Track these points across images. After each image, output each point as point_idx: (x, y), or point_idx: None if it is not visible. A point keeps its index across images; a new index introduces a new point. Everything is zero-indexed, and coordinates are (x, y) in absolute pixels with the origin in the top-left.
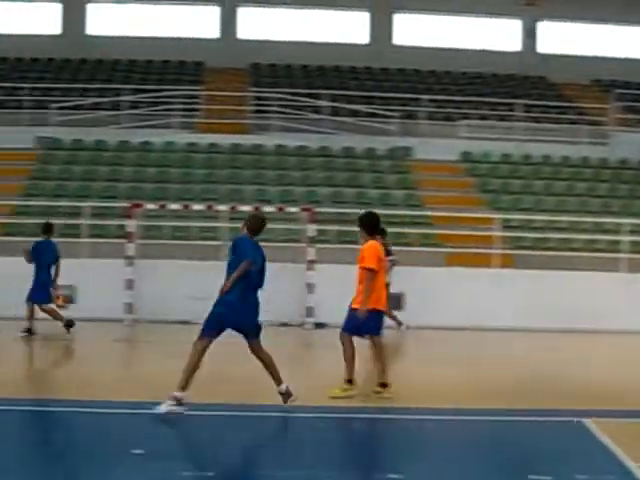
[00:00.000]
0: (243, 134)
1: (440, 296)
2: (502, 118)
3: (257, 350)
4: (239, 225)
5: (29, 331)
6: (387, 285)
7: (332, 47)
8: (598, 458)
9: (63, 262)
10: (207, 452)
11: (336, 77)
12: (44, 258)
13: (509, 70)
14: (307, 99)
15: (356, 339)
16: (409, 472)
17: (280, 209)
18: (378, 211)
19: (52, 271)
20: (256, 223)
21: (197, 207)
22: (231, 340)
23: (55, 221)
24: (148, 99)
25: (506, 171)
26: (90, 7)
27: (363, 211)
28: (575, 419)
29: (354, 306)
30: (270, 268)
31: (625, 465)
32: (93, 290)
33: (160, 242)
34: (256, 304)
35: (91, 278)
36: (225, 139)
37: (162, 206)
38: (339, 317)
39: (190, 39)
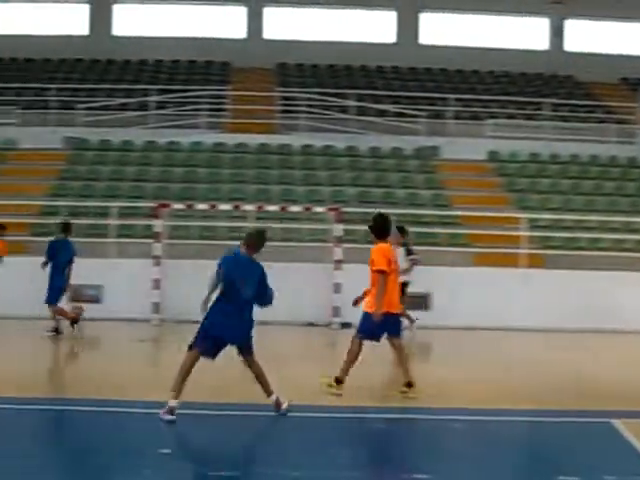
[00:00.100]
0: (270, 134)
1: (468, 296)
2: (530, 117)
3: (249, 363)
4: (267, 225)
5: (56, 330)
6: (406, 284)
7: (359, 46)
8: (626, 459)
9: (90, 262)
10: (233, 452)
11: (363, 77)
12: (60, 257)
13: (536, 69)
14: (334, 99)
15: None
16: (435, 472)
17: (307, 209)
18: (405, 211)
19: (68, 270)
20: (253, 240)
21: (224, 207)
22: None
23: (82, 221)
24: (175, 99)
25: (534, 170)
26: (117, 8)
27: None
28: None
29: (366, 309)
30: (297, 268)
31: None
32: (120, 290)
33: (187, 242)
34: (242, 319)
35: (118, 278)
36: (252, 139)
37: (189, 206)
38: None
39: (217, 39)
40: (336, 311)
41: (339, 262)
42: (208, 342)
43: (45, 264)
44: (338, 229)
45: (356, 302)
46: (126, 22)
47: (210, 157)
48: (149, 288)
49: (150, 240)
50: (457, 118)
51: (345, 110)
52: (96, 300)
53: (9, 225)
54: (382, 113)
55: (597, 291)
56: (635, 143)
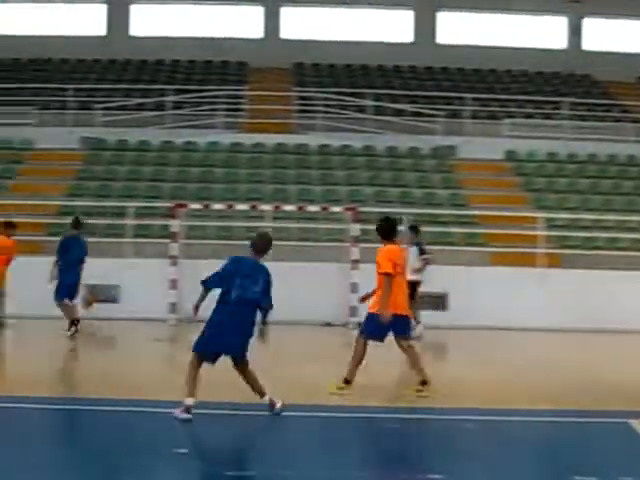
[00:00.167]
0: (287, 134)
1: (485, 296)
2: (547, 116)
3: (242, 372)
4: (284, 225)
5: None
6: (417, 283)
7: (376, 46)
8: None
9: (107, 262)
10: (250, 452)
11: (380, 76)
12: (70, 254)
13: (554, 68)
14: (351, 98)
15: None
16: (450, 472)
17: (324, 209)
18: (422, 211)
19: (79, 268)
20: (257, 243)
21: (241, 207)
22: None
23: (100, 221)
24: (192, 99)
25: (551, 170)
26: (134, 8)
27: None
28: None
29: (371, 311)
30: (314, 268)
31: None
32: (137, 290)
33: (204, 242)
34: (243, 323)
35: (135, 278)
36: (269, 139)
37: (206, 206)
38: None
39: (234, 39)
40: (353, 311)
41: (356, 262)
42: (207, 353)
43: (57, 262)
44: (355, 229)
45: (364, 299)
46: (143, 22)
47: (227, 157)
48: (166, 288)
49: (167, 240)
50: (474, 117)
51: (362, 110)
52: (113, 300)
53: (26, 225)
54: (399, 113)
55: (615, 291)
56: None
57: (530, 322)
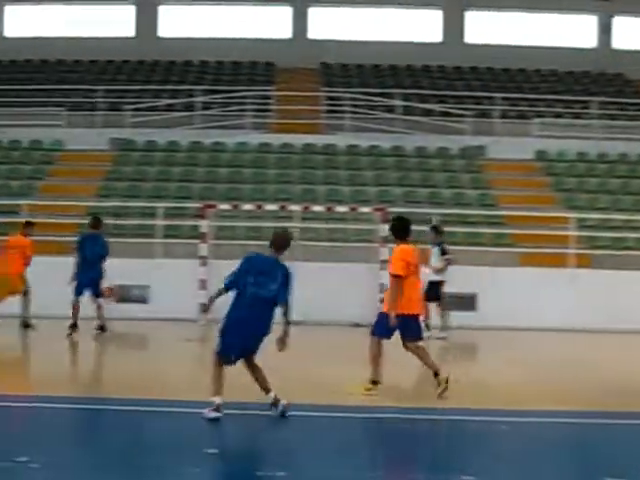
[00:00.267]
0: (315, 134)
1: (514, 297)
2: (577, 116)
3: (250, 366)
4: (312, 225)
5: (102, 328)
6: (441, 283)
7: (404, 46)
8: None
9: (137, 262)
10: (279, 452)
11: (408, 76)
12: (86, 252)
13: (584, 67)
14: (379, 98)
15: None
16: (481, 474)
17: (353, 209)
18: (451, 211)
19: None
20: (275, 240)
21: (270, 207)
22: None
23: (129, 222)
24: (220, 100)
25: (582, 170)
26: (163, 9)
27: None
28: None
29: (383, 310)
30: (342, 268)
31: None
32: (167, 290)
33: (233, 242)
34: (260, 320)
35: (165, 278)
36: (297, 139)
37: (235, 206)
38: None
39: (262, 40)
40: None
41: (385, 262)
42: (229, 357)
43: (76, 261)
44: (384, 229)
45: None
46: (172, 23)
47: (255, 157)
48: (195, 288)
49: (196, 240)
50: (504, 117)
51: (391, 110)
52: (142, 300)
53: (56, 226)
54: (428, 113)
55: None
56: None
57: (559, 323)
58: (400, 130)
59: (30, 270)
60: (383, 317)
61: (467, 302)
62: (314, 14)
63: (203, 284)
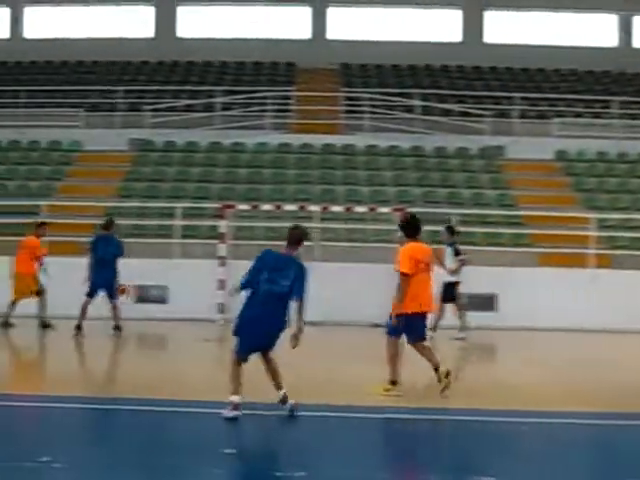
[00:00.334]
0: (335, 134)
1: (534, 297)
2: (597, 115)
3: (266, 360)
4: (331, 225)
5: (117, 328)
6: (456, 284)
7: (423, 46)
8: None
9: (155, 262)
10: (298, 452)
11: (427, 76)
12: (98, 253)
13: (604, 66)
14: (398, 99)
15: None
16: (502, 475)
17: (372, 209)
18: (470, 211)
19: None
20: (289, 236)
21: (289, 208)
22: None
23: (148, 222)
24: (240, 100)
25: (602, 169)
26: (182, 10)
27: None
28: None
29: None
30: (362, 269)
31: None
32: (185, 290)
33: (252, 243)
34: (275, 316)
35: (183, 279)
36: (317, 139)
37: (254, 207)
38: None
39: (281, 40)
40: None
41: None
42: (245, 356)
43: (90, 262)
44: None
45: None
46: (191, 24)
47: (275, 158)
48: (214, 289)
49: (215, 241)
50: (523, 117)
51: (410, 110)
52: (161, 300)
53: (75, 226)
54: (447, 113)
55: None
56: None
57: (579, 323)
58: (419, 130)
59: (49, 270)
60: (396, 317)
61: (487, 302)
62: (333, 14)
63: (222, 284)
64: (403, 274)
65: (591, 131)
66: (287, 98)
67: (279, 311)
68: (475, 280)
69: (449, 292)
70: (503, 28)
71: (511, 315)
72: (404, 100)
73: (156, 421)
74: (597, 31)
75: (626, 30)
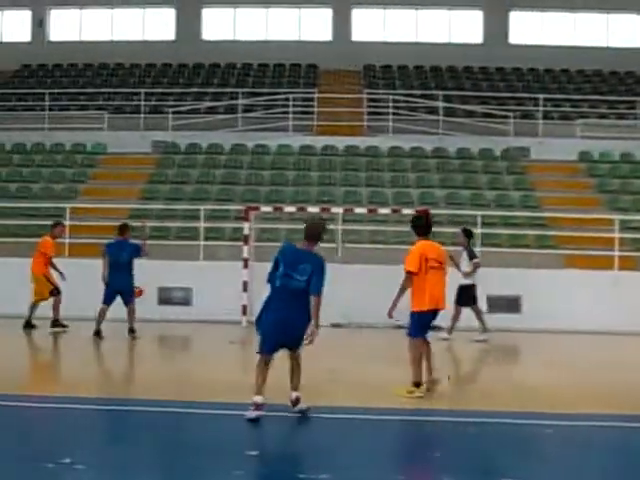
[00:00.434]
0: (357, 136)
1: (558, 299)
2: (621, 116)
3: (292, 357)
4: (355, 227)
5: (132, 331)
6: (471, 287)
7: (446, 47)
8: None
9: (179, 265)
10: (321, 454)
11: (451, 77)
12: (111, 258)
13: (628, 67)
14: (421, 100)
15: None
16: (525, 478)
17: (395, 211)
18: (494, 212)
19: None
20: (306, 230)
21: (312, 209)
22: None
23: (171, 224)
24: (263, 102)
25: (626, 171)
26: (204, 12)
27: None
28: None
29: (412, 310)
30: (385, 270)
31: None
32: (209, 292)
33: (275, 245)
34: (298, 313)
35: (207, 280)
36: (340, 141)
37: (277, 209)
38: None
39: (304, 42)
40: None
41: None
42: (270, 354)
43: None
44: None
45: None
46: (213, 26)
47: (298, 159)
48: (238, 290)
49: (239, 243)
50: (547, 118)
51: (433, 111)
52: (185, 302)
53: (98, 228)
54: (470, 114)
55: None
56: None
57: (604, 325)
58: (442, 132)
59: (70, 272)
60: (414, 317)
61: (511, 304)
62: (356, 16)
63: (246, 286)
64: (408, 272)
65: (615, 132)
66: (309, 100)
67: (297, 306)
68: (499, 282)
69: (465, 295)
70: (526, 29)
71: (535, 317)
72: (427, 101)
73: (179, 422)
74: (621, 32)
75: None
